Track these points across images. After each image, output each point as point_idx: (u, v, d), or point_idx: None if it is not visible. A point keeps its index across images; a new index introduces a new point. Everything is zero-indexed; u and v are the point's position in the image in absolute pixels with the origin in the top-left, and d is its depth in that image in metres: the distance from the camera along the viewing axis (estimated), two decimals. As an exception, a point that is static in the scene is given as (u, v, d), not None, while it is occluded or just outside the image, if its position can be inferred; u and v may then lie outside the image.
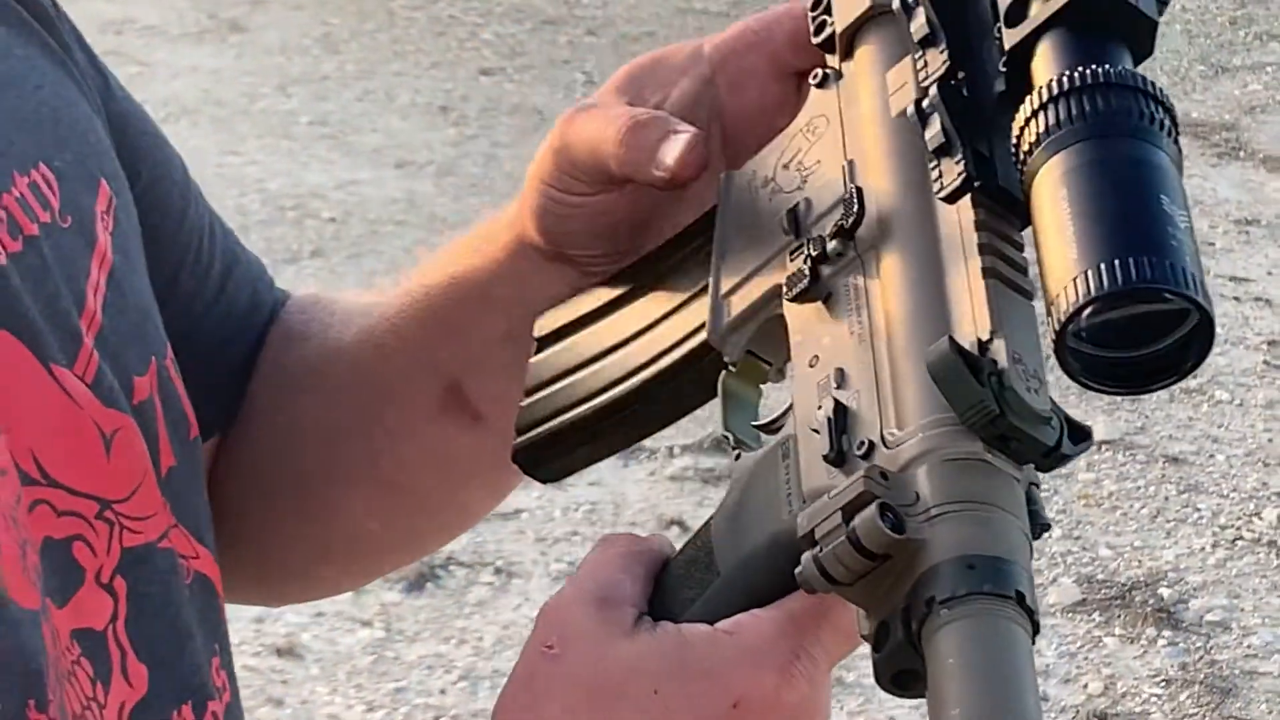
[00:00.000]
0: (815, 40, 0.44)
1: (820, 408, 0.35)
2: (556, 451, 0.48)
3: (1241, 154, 4.07)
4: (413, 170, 4.02)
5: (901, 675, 0.31)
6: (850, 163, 0.40)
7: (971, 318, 0.33)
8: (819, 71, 0.44)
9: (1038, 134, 0.31)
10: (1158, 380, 0.30)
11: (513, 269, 0.50)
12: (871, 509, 0.30)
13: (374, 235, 3.71)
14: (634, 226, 0.48)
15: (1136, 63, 0.34)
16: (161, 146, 0.54)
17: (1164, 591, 2.66)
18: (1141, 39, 0.34)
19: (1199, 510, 2.88)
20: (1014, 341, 0.32)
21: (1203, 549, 2.78)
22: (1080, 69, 0.31)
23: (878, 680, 0.32)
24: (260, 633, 2.39)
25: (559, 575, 2.65)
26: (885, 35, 0.41)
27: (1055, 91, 0.31)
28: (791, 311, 0.39)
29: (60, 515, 0.40)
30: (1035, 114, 0.31)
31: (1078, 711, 2.41)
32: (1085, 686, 2.47)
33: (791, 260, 0.39)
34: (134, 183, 0.49)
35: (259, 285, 0.57)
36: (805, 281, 0.38)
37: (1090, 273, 0.28)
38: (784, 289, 0.39)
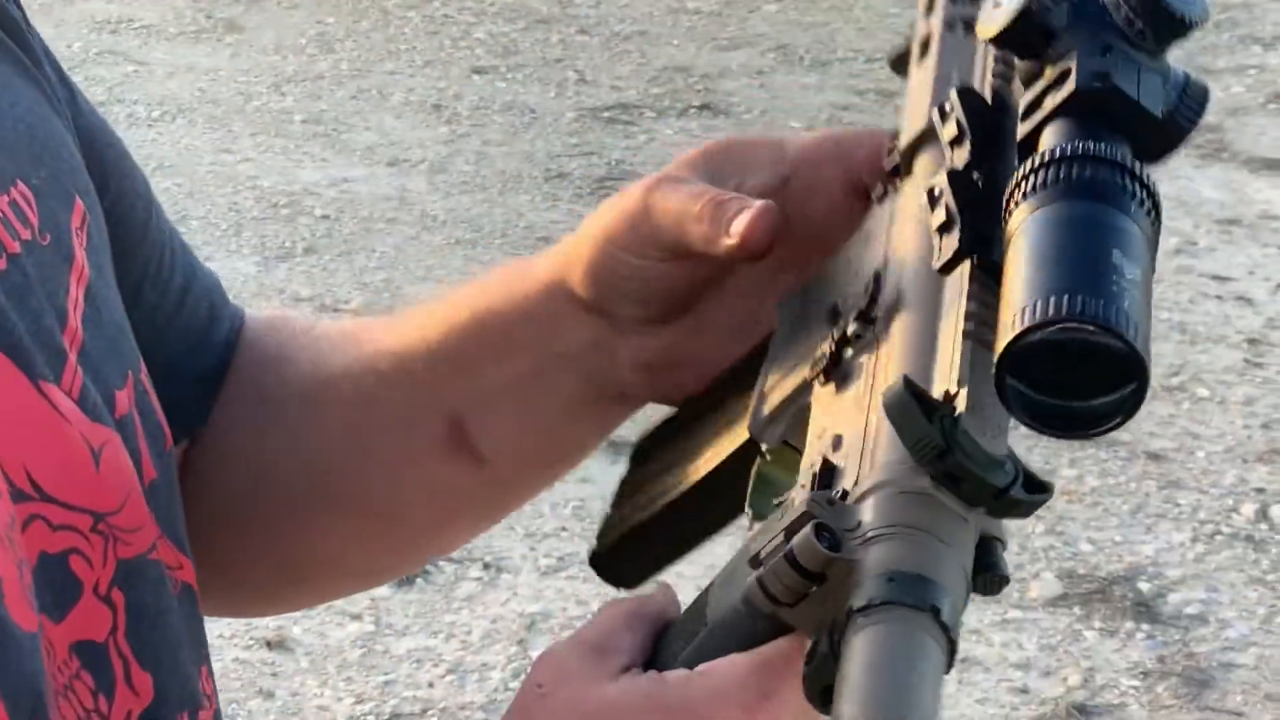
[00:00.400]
0: (886, 166, 0.46)
1: (811, 466, 0.37)
2: (632, 559, 0.49)
3: (1225, 155, 4.06)
4: (405, 168, 4.02)
5: (827, 690, 0.31)
6: (886, 259, 0.42)
7: (946, 373, 0.34)
8: (880, 186, 0.46)
9: (1017, 199, 0.33)
10: (1097, 428, 0.31)
11: (543, 312, 0.50)
12: (808, 528, 0.32)
13: (366, 232, 3.71)
14: (683, 298, 0.49)
15: (1139, 158, 0.34)
16: (126, 159, 0.54)
17: (1143, 585, 2.67)
18: (1142, 133, 0.36)
19: (1179, 506, 2.89)
20: (980, 393, 0.32)
21: (1182, 544, 2.79)
22: (1064, 143, 0.33)
23: (809, 699, 0.33)
24: (250, 625, 2.39)
25: (547, 570, 2.66)
26: (938, 150, 0.42)
27: (1038, 163, 0.33)
28: (816, 394, 0.41)
29: (55, 530, 0.40)
30: (1019, 182, 0.33)
31: (1057, 703, 2.42)
32: (1065, 679, 2.49)
33: (821, 349, 0.41)
34: (102, 196, 0.49)
35: (216, 298, 0.57)
36: (826, 362, 0.40)
37: (1031, 306, 0.29)
38: (809, 373, 0.41)
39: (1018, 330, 0.29)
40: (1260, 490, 2.92)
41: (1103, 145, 0.33)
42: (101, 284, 0.47)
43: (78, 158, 0.49)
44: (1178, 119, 0.38)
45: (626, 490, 0.51)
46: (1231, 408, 3.13)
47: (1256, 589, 2.68)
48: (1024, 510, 0.35)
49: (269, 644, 2.41)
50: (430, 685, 2.42)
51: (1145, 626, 2.58)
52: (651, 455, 0.51)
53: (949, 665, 0.30)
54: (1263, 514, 2.84)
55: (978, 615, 2.62)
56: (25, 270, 0.42)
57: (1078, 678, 2.48)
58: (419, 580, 2.60)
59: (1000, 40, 0.38)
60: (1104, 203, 0.32)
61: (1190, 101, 0.38)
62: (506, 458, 0.52)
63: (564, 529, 2.80)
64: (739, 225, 0.44)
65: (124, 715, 0.42)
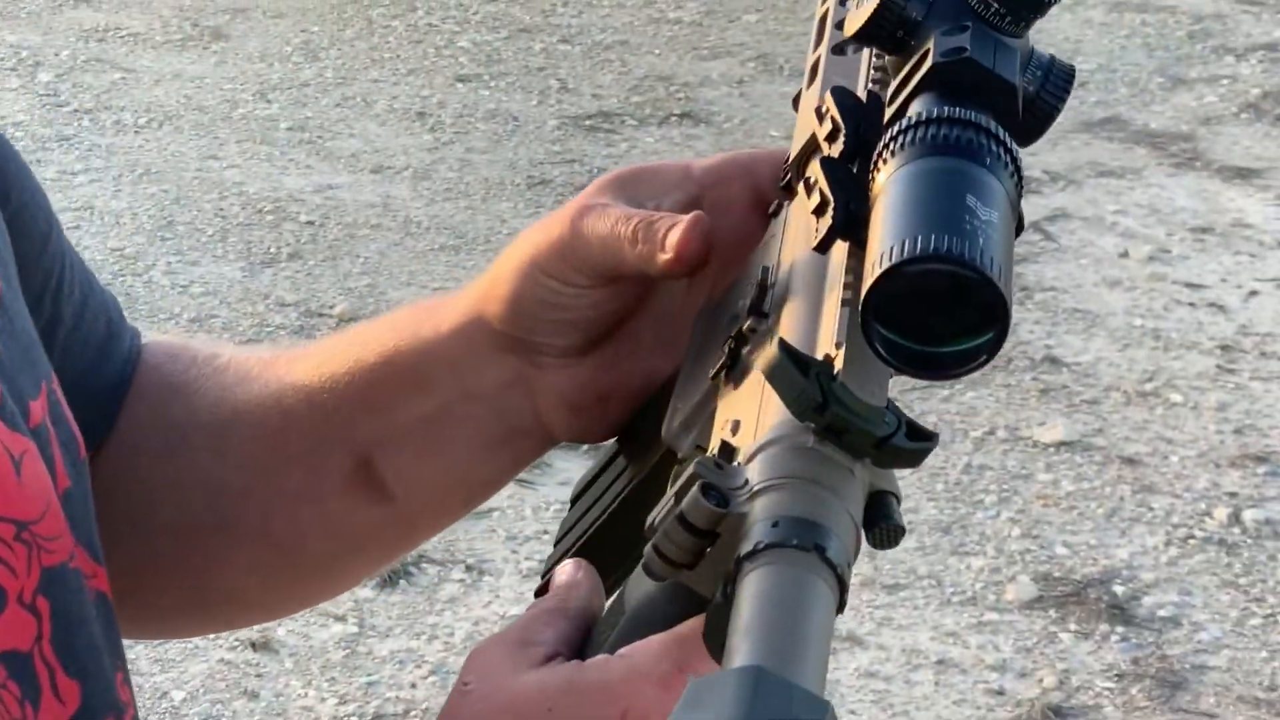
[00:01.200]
0: (781, 181, 0.47)
1: (710, 451, 0.37)
2: None
3: (1198, 164, 4.08)
4: (389, 175, 4.03)
5: (714, 618, 0.32)
6: (778, 258, 0.43)
7: (827, 338, 0.36)
8: (777, 200, 0.47)
9: (880, 165, 0.34)
10: (962, 369, 0.32)
11: (456, 351, 0.50)
12: (695, 487, 0.31)
13: (350, 239, 3.72)
14: (604, 327, 0.49)
15: (1003, 124, 0.35)
16: (25, 172, 0.52)
17: (1118, 589, 2.69)
18: (1002, 104, 0.36)
19: (1152, 510, 2.90)
20: (859, 353, 0.33)
21: (1155, 548, 2.80)
22: (923, 109, 0.34)
23: (711, 654, 0.33)
24: (234, 626, 2.42)
25: (529, 573, 2.66)
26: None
27: (898, 129, 0.34)
28: (721, 395, 0.40)
29: None
30: (881, 150, 0.34)
31: (1033, 704, 2.43)
32: (1040, 681, 2.50)
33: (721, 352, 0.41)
34: (3, 207, 0.48)
35: (113, 314, 0.55)
36: (725, 360, 0.40)
37: (889, 249, 0.30)
38: (712, 377, 0.41)
39: (878, 274, 0.30)
40: (1233, 495, 2.93)
41: (959, 110, 0.34)
42: (11, 295, 0.46)
43: None
44: (1044, 97, 0.39)
45: (565, 527, 0.51)
46: (1204, 413, 3.14)
47: (1229, 592, 2.69)
48: (908, 458, 0.35)
49: (253, 645, 2.41)
50: (413, 686, 2.43)
51: (1120, 629, 2.60)
52: (586, 492, 0.51)
53: (840, 606, 0.30)
54: (1235, 518, 2.85)
55: (954, 618, 2.65)
56: None
57: (1053, 679, 2.49)
58: (402, 582, 2.62)
59: (863, 35, 0.39)
60: (961, 157, 0.33)
61: (1056, 80, 0.40)
62: (415, 495, 0.52)
63: (545, 531, 2.79)
64: (673, 239, 0.44)
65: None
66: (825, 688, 0.27)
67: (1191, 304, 3.52)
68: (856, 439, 0.33)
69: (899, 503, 0.36)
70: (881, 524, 0.35)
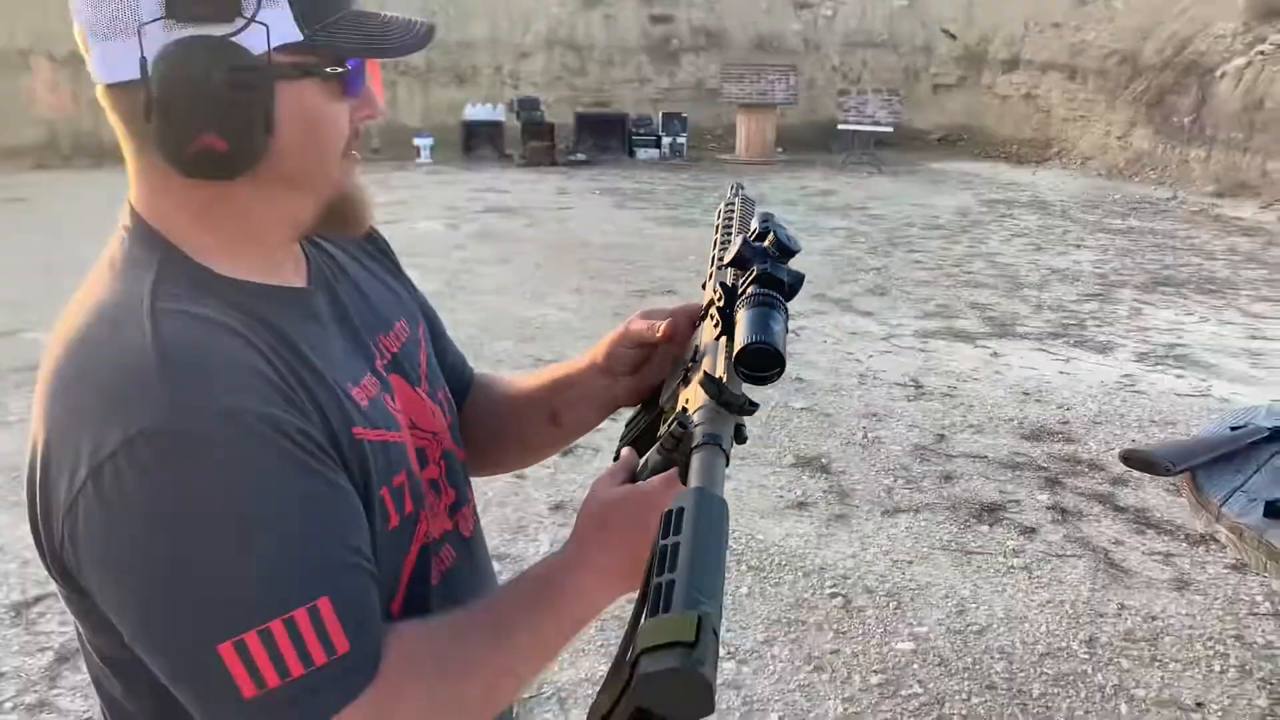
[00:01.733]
0: (701, 315, 1.07)
1: (680, 410, 0.91)
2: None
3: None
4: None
5: (684, 478, 0.81)
6: (701, 340, 1.00)
7: (719, 369, 0.89)
8: (699, 321, 1.07)
9: (739, 307, 0.89)
10: (766, 382, 0.82)
11: (586, 374, 1.16)
12: (677, 420, 0.85)
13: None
14: (636, 365, 1.13)
15: (783, 296, 0.90)
16: (428, 305, 1.19)
17: None
18: (782, 288, 0.90)
19: None
20: (730, 376, 0.86)
21: None
22: (755, 290, 0.89)
23: (680, 479, 0.84)
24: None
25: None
26: (714, 307, 1.00)
27: (746, 295, 0.89)
28: (681, 392, 0.96)
29: (419, 436, 1.00)
30: (740, 302, 0.90)
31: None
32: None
33: (680, 375, 1.02)
34: (400, 275, 1.14)
35: (463, 362, 1.25)
36: (681, 378, 1.00)
37: (745, 338, 0.83)
38: (676, 383, 1.00)
39: (738, 348, 0.83)
40: None
41: (766, 291, 0.89)
42: (430, 354, 1.10)
43: (414, 304, 1.13)
44: (795, 285, 0.91)
45: (624, 433, 1.13)
46: None
47: None
48: (751, 411, 0.83)
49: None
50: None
51: None
52: (632, 420, 1.14)
53: (726, 464, 0.78)
54: None
55: None
56: (409, 348, 1.04)
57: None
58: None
59: (732, 261, 0.95)
60: (769, 307, 0.87)
61: (798, 280, 0.91)
62: (570, 425, 1.20)
63: (612, 439, 3.12)
64: (661, 329, 1.10)
65: (447, 504, 1.03)
66: (723, 493, 0.72)
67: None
68: (730, 404, 0.84)
69: (745, 428, 0.87)
70: (740, 434, 0.86)
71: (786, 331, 0.84)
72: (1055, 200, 12.53)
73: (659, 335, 1.08)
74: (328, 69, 0.83)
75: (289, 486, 0.77)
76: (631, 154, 16.28)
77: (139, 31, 0.78)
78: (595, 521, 0.87)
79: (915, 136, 18.42)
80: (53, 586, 3.24)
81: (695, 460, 0.77)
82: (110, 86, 0.82)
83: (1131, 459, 2.35)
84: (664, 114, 16.77)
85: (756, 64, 17.17)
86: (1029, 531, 3.92)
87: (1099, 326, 6.86)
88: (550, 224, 10.52)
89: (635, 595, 0.72)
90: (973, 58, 18.49)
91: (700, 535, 0.63)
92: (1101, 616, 3.33)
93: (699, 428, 0.81)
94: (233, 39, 0.78)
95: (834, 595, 3.45)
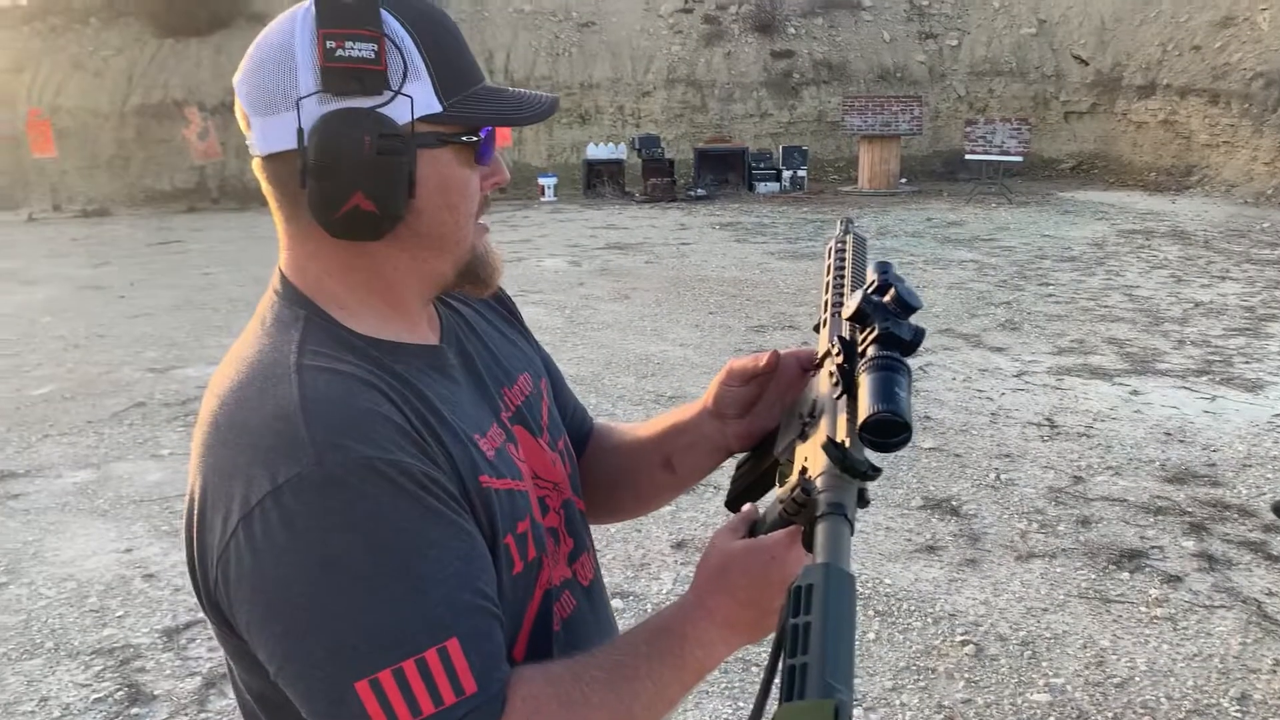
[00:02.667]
0: (814, 362, 1.06)
1: (799, 468, 0.89)
2: (735, 501, 1.13)
3: None
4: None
5: (809, 545, 0.81)
6: (817, 394, 0.98)
7: (842, 432, 0.85)
8: (814, 369, 1.05)
9: (860, 369, 0.83)
10: (893, 450, 0.77)
11: (698, 419, 1.15)
12: (800, 485, 0.84)
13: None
14: (745, 407, 1.12)
15: (905, 352, 0.84)
16: (552, 364, 1.24)
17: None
18: (904, 346, 0.84)
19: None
20: (855, 439, 0.81)
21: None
22: (877, 351, 0.83)
23: (806, 548, 0.82)
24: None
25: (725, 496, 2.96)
26: (830, 359, 0.96)
27: (868, 357, 0.83)
28: (797, 446, 0.95)
29: (540, 486, 1.03)
30: (862, 364, 0.83)
31: None
32: None
33: (797, 428, 1.00)
34: (548, 371, 1.20)
35: (585, 413, 1.29)
36: (798, 432, 0.97)
37: (870, 407, 0.78)
38: (794, 437, 0.98)
39: (863, 417, 0.78)
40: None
41: (889, 354, 0.83)
42: (551, 406, 1.14)
43: (536, 358, 1.18)
44: (916, 341, 0.85)
45: (734, 483, 1.13)
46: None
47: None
48: (874, 477, 0.81)
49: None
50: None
51: None
52: (740, 469, 1.14)
53: (851, 533, 0.76)
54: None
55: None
56: (531, 400, 1.09)
57: None
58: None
59: (850, 318, 0.87)
60: (892, 371, 0.81)
61: (919, 336, 0.85)
62: (685, 471, 1.19)
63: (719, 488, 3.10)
64: (765, 359, 1.09)
65: (566, 552, 1.06)
66: (851, 568, 0.69)
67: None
68: (855, 471, 0.80)
69: (868, 492, 0.85)
70: (863, 498, 0.82)
71: (911, 394, 0.84)
72: (1197, 230, 12.00)
73: (763, 365, 1.09)
74: (463, 137, 0.90)
75: (419, 532, 0.81)
76: (751, 188, 16.30)
77: (297, 105, 0.86)
78: (717, 573, 0.89)
79: (1046, 165, 17.93)
80: (201, 614, 3.38)
81: (820, 531, 0.76)
82: (268, 158, 0.89)
83: (1287, 509, 2.23)
84: (784, 147, 16.75)
85: (879, 95, 17.02)
86: (1173, 580, 3.74)
87: (1247, 363, 6.52)
88: (670, 259, 10.60)
89: (752, 645, 0.89)
90: (1106, 83, 17.93)
91: (832, 616, 0.64)
92: (1254, 672, 3.15)
93: (823, 495, 0.80)
94: (381, 110, 0.86)
95: (965, 643, 3.35)
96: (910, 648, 3.33)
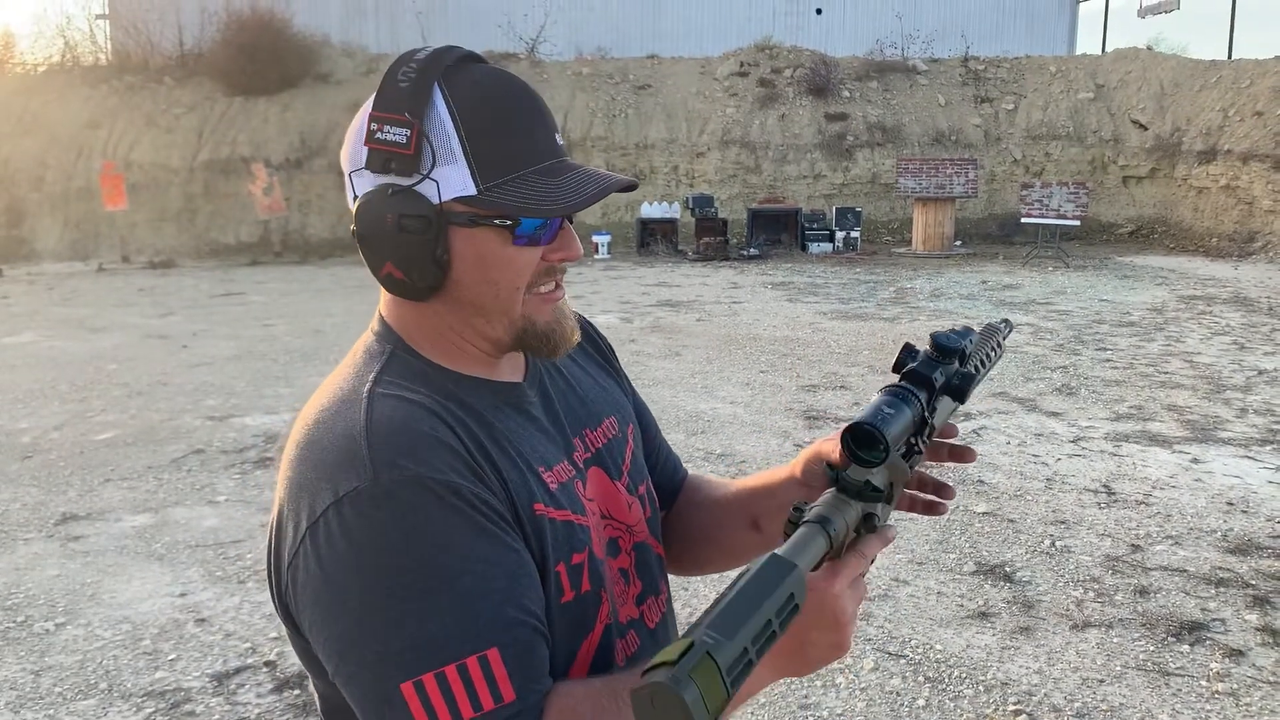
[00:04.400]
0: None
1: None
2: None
3: None
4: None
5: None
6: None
7: (839, 458, 0.95)
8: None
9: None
10: (875, 464, 0.90)
11: (785, 484, 1.18)
12: (792, 505, 0.91)
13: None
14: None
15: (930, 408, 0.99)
16: (643, 405, 1.29)
17: None
18: (948, 392, 1.02)
19: None
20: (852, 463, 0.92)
21: None
22: (895, 384, 0.98)
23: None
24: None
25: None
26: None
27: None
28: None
29: (610, 527, 1.07)
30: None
31: None
32: None
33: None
34: (639, 417, 1.26)
35: (676, 461, 1.33)
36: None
37: (852, 422, 0.91)
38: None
39: (846, 426, 0.90)
40: None
41: (900, 384, 0.97)
42: (637, 452, 1.18)
43: (628, 404, 1.23)
44: (959, 383, 1.02)
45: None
46: None
47: None
48: (873, 498, 0.88)
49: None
50: None
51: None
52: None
53: (831, 552, 0.85)
54: None
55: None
56: (614, 444, 1.13)
57: None
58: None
59: (894, 369, 1.02)
60: (893, 395, 0.94)
61: (955, 376, 1.01)
62: (770, 533, 1.20)
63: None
64: (838, 456, 1.03)
65: (634, 593, 1.09)
66: (805, 567, 0.79)
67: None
68: (848, 488, 0.88)
69: (878, 516, 0.91)
70: (868, 523, 0.90)
71: (911, 419, 0.91)
72: (1260, 296, 11.78)
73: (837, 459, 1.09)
74: (496, 220, 0.93)
75: (464, 545, 0.87)
76: (804, 248, 16.33)
77: (351, 177, 0.96)
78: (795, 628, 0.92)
79: (1103, 229, 17.76)
80: (253, 659, 3.43)
81: (792, 534, 0.83)
82: None
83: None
84: (838, 208, 16.80)
85: (934, 158, 17.04)
86: (1236, 654, 3.62)
87: (1313, 433, 6.36)
88: (721, 318, 10.63)
89: (796, 677, 0.92)
90: (1165, 148, 17.79)
91: (748, 586, 0.71)
92: (1323, 754, 3.03)
93: (813, 509, 0.87)
94: (415, 188, 0.92)
95: (1018, 713, 3.27)
96: (961, 716, 3.26)
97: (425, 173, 0.92)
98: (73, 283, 14.72)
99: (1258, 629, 3.80)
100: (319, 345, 9.63)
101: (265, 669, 3.59)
